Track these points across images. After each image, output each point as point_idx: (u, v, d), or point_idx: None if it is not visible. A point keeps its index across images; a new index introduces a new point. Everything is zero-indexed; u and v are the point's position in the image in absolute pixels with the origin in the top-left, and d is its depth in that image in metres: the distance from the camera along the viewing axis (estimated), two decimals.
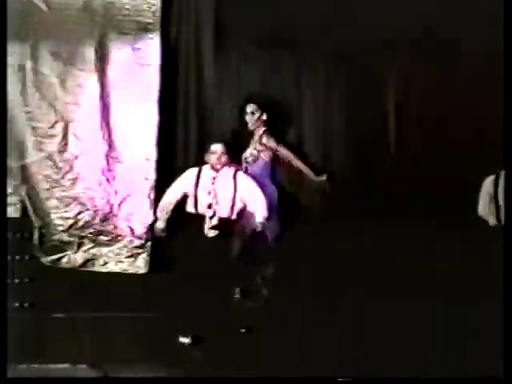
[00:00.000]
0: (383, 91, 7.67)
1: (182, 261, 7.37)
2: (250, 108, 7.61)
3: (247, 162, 7.66)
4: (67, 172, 7.61)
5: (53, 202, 7.60)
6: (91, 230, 7.61)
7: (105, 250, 7.60)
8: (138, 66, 7.64)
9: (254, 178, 7.46)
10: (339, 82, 7.70)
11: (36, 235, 7.59)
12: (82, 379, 6.52)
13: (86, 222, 7.61)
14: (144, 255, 7.54)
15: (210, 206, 7.34)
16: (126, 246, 7.59)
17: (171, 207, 7.43)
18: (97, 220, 7.62)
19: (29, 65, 7.62)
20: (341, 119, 7.72)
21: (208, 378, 6.66)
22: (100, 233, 7.62)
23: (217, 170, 7.39)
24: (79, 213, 7.60)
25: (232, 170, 7.39)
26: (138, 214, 7.61)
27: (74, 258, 7.61)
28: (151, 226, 7.52)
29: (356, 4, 7.58)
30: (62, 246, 7.60)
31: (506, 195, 6.53)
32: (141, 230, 7.57)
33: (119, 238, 7.61)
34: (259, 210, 7.29)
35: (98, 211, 7.63)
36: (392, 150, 7.67)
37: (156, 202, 7.55)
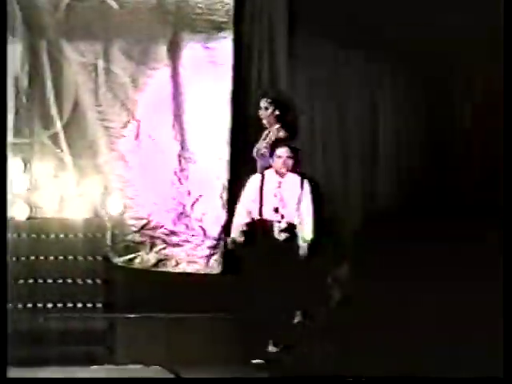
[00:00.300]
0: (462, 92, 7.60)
1: (255, 262, 7.27)
2: (263, 103, 7.46)
3: (261, 154, 7.49)
4: (140, 172, 7.60)
5: (125, 202, 7.60)
6: (163, 231, 7.60)
7: (177, 250, 7.59)
8: (210, 65, 7.63)
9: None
10: (416, 81, 7.63)
11: (108, 235, 7.57)
12: (91, 380, 6.49)
13: (158, 223, 7.60)
14: (217, 256, 7.53)
15: (276, 210, 7.22)
16: (198, 247, 7.57)
17: (245, 221, 7.11)
18: (169, 220, 7.60)
19: (101, 64, 7.64)
20: (417, 120, 7.65)
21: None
22: (172, 233, 7.60)
23: (281, 175, 7.22)
24: (151, 213, 7.60)
25: (298, 177, 7.22)
26: (210, 215, 7.58)
27: (146, 258, 7.59)
28: (224, 228, 7.47)
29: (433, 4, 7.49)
30: (135, 247, 7.60)
31: (505, 195, 6.21)
32: (213, 230, 7.55)
33: (192, 238, 7.59)
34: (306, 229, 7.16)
35: (171, 211, 7.61)
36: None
37: (229, 202, 7.49)
